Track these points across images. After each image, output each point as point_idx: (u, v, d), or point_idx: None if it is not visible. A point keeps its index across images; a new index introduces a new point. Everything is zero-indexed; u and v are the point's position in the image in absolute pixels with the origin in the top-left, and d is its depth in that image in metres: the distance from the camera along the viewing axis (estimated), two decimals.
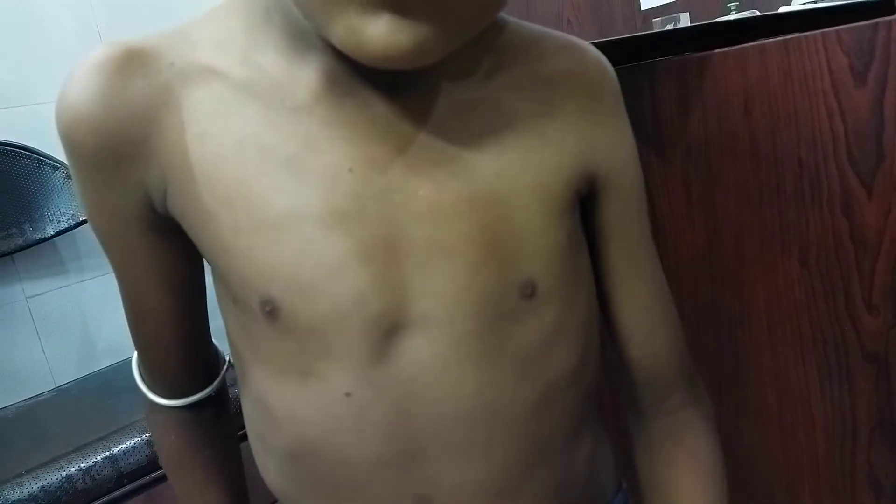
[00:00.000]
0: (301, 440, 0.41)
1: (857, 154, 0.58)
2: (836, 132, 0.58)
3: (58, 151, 1.32)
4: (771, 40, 0.60)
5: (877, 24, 0.54)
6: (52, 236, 1.33)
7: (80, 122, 0.37)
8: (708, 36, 0.67)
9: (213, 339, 0.53)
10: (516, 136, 0.41)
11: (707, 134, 0.66)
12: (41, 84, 1.38)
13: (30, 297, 1.39)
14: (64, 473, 0.94)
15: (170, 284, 0.44)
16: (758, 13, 1.05)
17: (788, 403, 0.68)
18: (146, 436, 1.01)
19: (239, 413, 0.48)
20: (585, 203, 0.45)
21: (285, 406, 0.41)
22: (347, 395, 0.39)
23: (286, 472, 0.44)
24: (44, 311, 1.41)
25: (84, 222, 1.35)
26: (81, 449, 0.98)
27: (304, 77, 0.38)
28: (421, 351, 0.39)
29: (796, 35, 0.58)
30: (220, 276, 0.41)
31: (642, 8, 1.59)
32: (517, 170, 0.40)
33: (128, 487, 1.00)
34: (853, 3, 0.58)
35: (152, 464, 1.01)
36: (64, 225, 1.34)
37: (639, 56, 0.69)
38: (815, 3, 0.87)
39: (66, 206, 1.34)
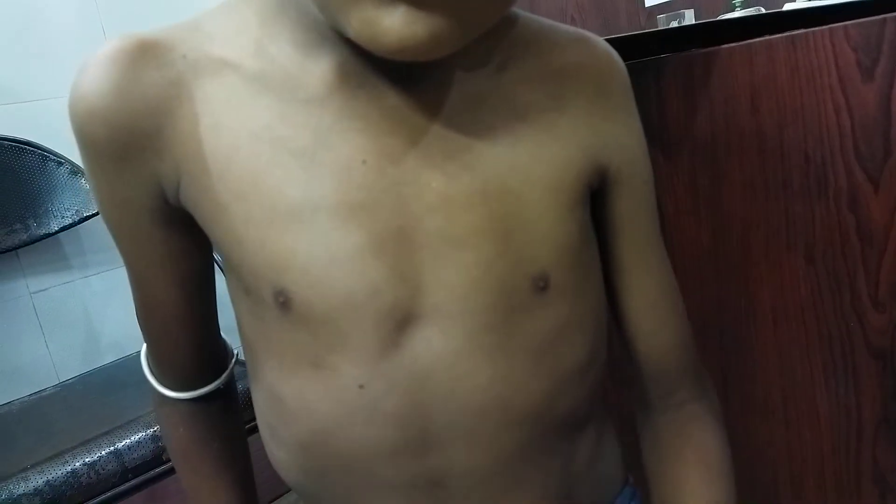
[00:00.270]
0: (314, 431, 0.41)
1: (864, 149, 0.58)
2: (844, 128, 0.58)
3: (62, 147, 1.32)
4: (778, 36, 0.60)
5: (884, 19, 0.54)
6: (57, 232, 1.33)
7: (94, 114, 0.38)
8: (714, 33, 0.67)
9: (222, 333, 0.53)
10: (528, 128, 0.41)
11: (713, 130, 0.66)
12: (46, 80, 1.38)
13: (34, 293, 1.39)
14: (69, 468, 0.94)
15: (180, 277, 0.45)
16: (763, 10, 1.05)
17: (793, 399, 0.68)
18: (151, 431, 1.01)
19: (246, 407, 0.48)
20: (595, 197, 0.45)
21: (298, 398, 0.41)
22: (361, 386, 0.39)
23: (299, 463, 0.44)
24: (48, 306, 1.41)
25: (88, 218, 1.35)
26: (86, 444, 0.98)
27: (317, 69, 0.38)
28: (434, 343, 0.39)
29: (803, 30, 0.58)
30: (233, 267, 0.41)
31: (646, 5, 1.59)
32: (529, 162, 0.40)
33: (132, 482, 1.00)
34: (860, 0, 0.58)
35: (157, 459, 1.01)
36: (68, 220, 1.34)
37: (644, 52, 0.69)
38: None
39: (71, 201, 1.34)
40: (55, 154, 1.33)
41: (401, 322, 0.39)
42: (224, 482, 0.53)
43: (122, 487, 0.99)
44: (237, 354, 0.53)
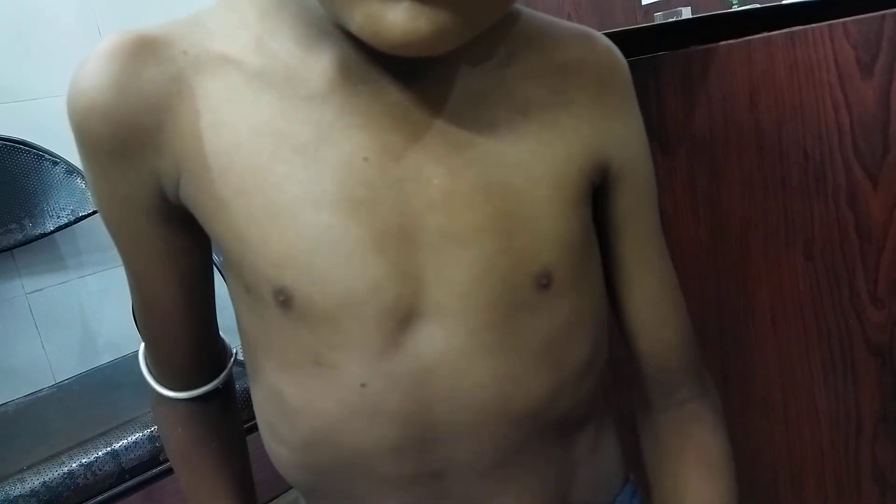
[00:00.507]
0: (316, 429, 0.41)
1: (862, 146, 0.58)
2: (842, 124, 0.58)
3: (57, 146, 1.32)
4: (776, 32, 0.60)
5: (883, 15, 0.54)
6: (52, 232, 1.33)
7: (93, 110, 0.37)
8: (712, 27, 0.67)
9: (221, 335, 0.53)
10: (531, 124, 0.41)
11: (712, 127, 0.66)
12: (41, 79, 1.38)
13: (29, 293, 1.39)
14: (65, 469, 0.94)
15: (179, 275, 0.44)
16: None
17: (793, 396, 0.68)
18: (147, 431, 1.01)
19: (245, 406, 0.48)
20: (597, 194, 0.45)
21: (299, 396, 0.41)
22: (362, 385, 0.39)
23: (300, 461, 0.44)
24: (44, 306, 1.40)
25: (84, 217, 1.35)
26: (83, 444, 0.98)
27: (318, 65, 0.38)
28: (436, 341, 0.39)
29: (802, 27, 0.58)
30: (233, 265, 0.41)
31: (643, 3, 1.59)
32: (532, 159, 0.40)
33: (129, 483, 0.99)
34: None
35: (154, 459, 1.01)
36: (64, 220, 1.33)
37: (643, 49, 0.69)
38: None
39: (66, 201, 1.34)
40: (50, 153, 1.32)
41: (402, 320, 0.38)
42: (223, 482, 0.53)
43: (120, 488, 0.98)
44: (236, 354, 0.53)
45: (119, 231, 0.42)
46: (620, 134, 0.44)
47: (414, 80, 0.38)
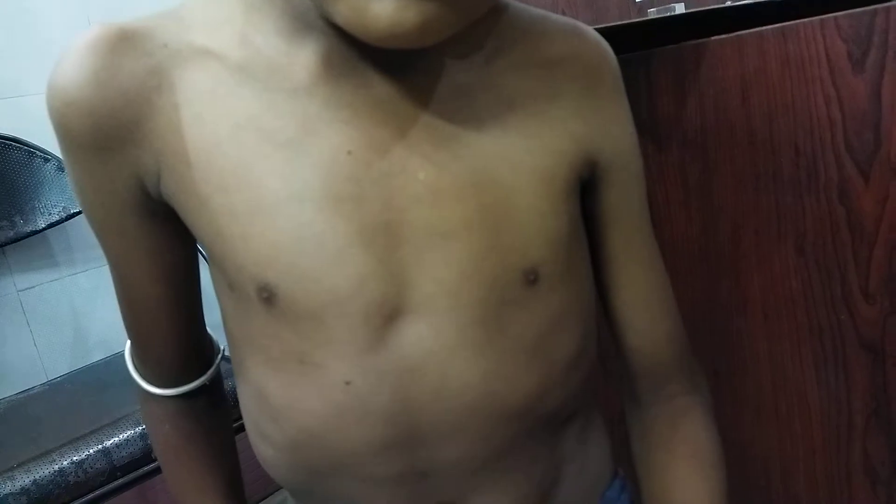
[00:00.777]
0: (302, 429, 0.41)
1: (854, 141, 0.58)
2: (834, 119, 0.58)
3: (49, 143, 1.31)
4: (768, 27, 0.60)
5: (875, 10, 0.54)
6: (44, 229, 1.32)
7: (71, 104, 0.37)
8: (705, 22, 0.67)
9: (209, 330, 0.52)
10: (518, 118, 0.40)
11: (704, 122, 0.66)
12: (32, 75, 1.37)
13: (21, 291, 1.38)
14: (56, 467, 0.93)
15: (164, 272, 0.44)
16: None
17: (784, 392, 0.68)
18: (139, 429, 1.01)
19: (235, 404, 0.47)
20: (585, 189, 0.45)
21: (284, 395, 0.40)
22: (347, 383, 0.39)
23: (287, 461, 0.43)
24: (35, 304, 1.40)
25: (76, 215, 1.34)
26: (74, 442, 0.97)
27: (302, 58, 0.38)
28: (423, 338, 0.38)
29: (794, 22, 0.58)
30: (216, 262, 0.40)
31: None
32: (519, 153, 0.40)
33: (121, 480, 0.99)
34: None
35: (145, 457, 1.01)
36: (55, 218, 1.33)
37: (635, 45, 0.69)
38: None
39: (58, 198, 1.33)
40: (42, 150, 1.31)
41: (388, 317, 0.38)
42: (211, 480, 0.52)
43: (111, 486, 0.98)
44: (223, 350, 0.53)
45: (101, 226, 0.42)
46: (609, 128, 0.44)
47: (399, 73, 0.38)
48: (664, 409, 0.50)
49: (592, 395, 0.51)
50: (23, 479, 0.91)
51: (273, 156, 0.37)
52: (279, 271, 0.37)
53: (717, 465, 0.48)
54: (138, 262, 0.43)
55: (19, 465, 0.93)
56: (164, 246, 0.43)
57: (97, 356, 1.45)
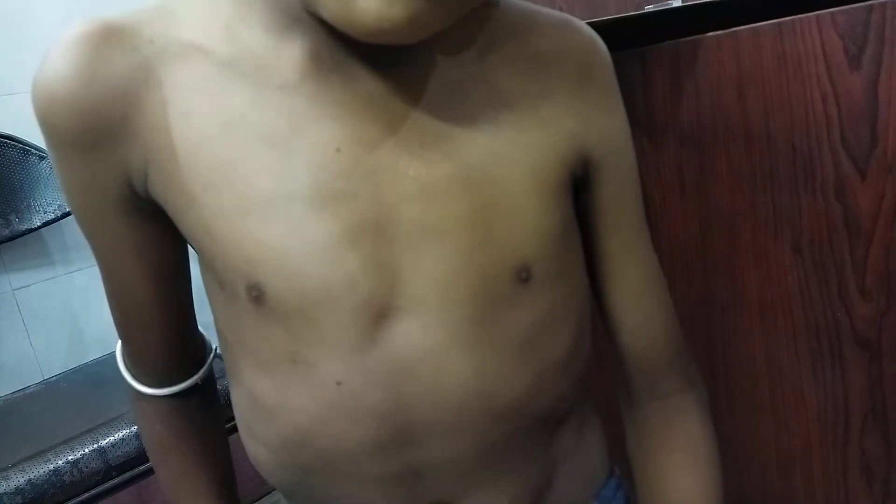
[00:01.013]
0: (293, 429, 0.40)
1: (850, 138, 0.57)
2: (830, 116, 0.58)
3: (43, 141, 1.30)
4: (764, 23, 0.59)
5: (871, 6, 0.53)
6: (39, 227, 1.31)
7: (57, 101, 0.36)
8: (701, 17, 0.66)
9: (201, 330, 0.52)
10: (510, 114, 0.40)
11: (700, 119, 0.66)
12: (25, 73, 1.35)
13: (16, 289, 1.37)
14: (51, 466, 0.93)
15: (154, 270, 0.43)
16: None
17: (781, 390, 0.68)
18: (135, 428, 1.00)
19: (228, 404, 0.47)
20: (578, 186, 0.44)
21: (276, 395, 0.40)
22: (338, 383, 0.38)
23: (279, 461, 0.43)
24: (31, 303, 1.39)
25: (70, 213, 1.33)
26: (69, 441, 0.97)
27: (290, 54, 0.37)
28: (414, 337, 0.38)
29: (790, 18, 0.57)
30: (206, 260, 0.40)
31: None
32: (511, 149, 0.39)
33: (116, 480, 0.99)
34: None
35: (141, 456, 1.00)
36: (51, 216, 1.32)
37: (631, 42, 0.68)
38: None
39: (53, 196, 1.32)
40: (37, 148, 1.31)
41: (379, 315, 0.38)
42: (203, 481, 0.52)
43: (106, 485, 0.97)
44: (216, 349, 0.52)
45: (90, 226, 0.42)
46: (602, 124, 0.43)
47: (388, 68, 0.38)
48: (659, 406, 0.49)
49: (588, 393, 0.50)
50: (18, 479, 0.90)
51: (261, 153, 0.36)
52: (268, 270, 0.37)
53: (713, 463, 0.48)
54: (127, 259, 0.43)
55: (14, 465, 0.92)
56: (152, 243, 0.42)
57: (93, 355, 1.44)
